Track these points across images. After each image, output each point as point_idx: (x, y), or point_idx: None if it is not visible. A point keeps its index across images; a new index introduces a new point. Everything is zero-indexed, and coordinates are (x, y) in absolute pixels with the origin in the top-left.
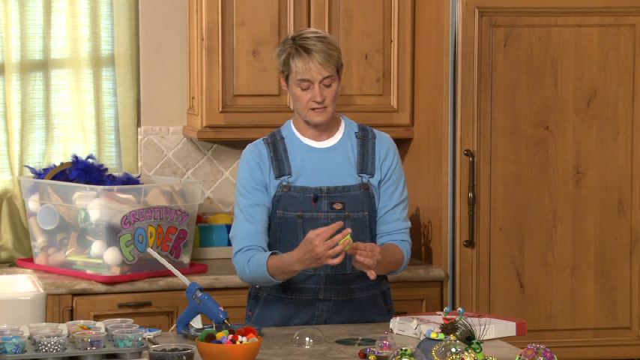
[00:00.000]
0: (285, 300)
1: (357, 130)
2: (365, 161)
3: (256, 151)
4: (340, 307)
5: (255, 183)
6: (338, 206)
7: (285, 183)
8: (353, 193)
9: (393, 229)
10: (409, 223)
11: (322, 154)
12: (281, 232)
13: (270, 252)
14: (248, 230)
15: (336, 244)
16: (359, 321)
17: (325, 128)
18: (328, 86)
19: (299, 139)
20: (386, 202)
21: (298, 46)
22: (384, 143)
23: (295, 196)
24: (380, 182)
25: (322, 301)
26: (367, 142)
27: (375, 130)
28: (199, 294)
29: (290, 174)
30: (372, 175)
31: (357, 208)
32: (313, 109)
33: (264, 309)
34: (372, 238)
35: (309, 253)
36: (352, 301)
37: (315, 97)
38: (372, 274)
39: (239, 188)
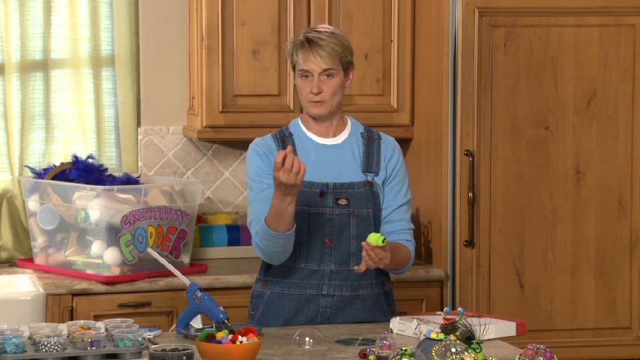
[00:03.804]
0: (289, 296)
1: (362, 131)
2: (370, 160)
3: (264, 144)
4: (344, 303)
5: (267, 168)
6: (343, 202)
7: None
8: (358, 190)
9: (398, 228)
10: (412, 225)
11: (329, 151)
12: None
13: None
14: (265, 212)
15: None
16: (363, 320)
17: (332, 126)
18: (329, 79)
19: (307, 135)
20: (390, 202)
21: (304, 38)
22: (390, 144)
23: (302, 190)
24: (384, 182)
25: (326, 297)
26: (373, 142)
27: (381, 132)
28: (199, 294)
29: None
30: (377, 174)
31: (362, 205)
32: (311, 101)
33: (269, 307)
34: None
35: (276, 184)
36: (356, 299)
37: (312, 88)
38: (358, 268)
39: (250, 176)
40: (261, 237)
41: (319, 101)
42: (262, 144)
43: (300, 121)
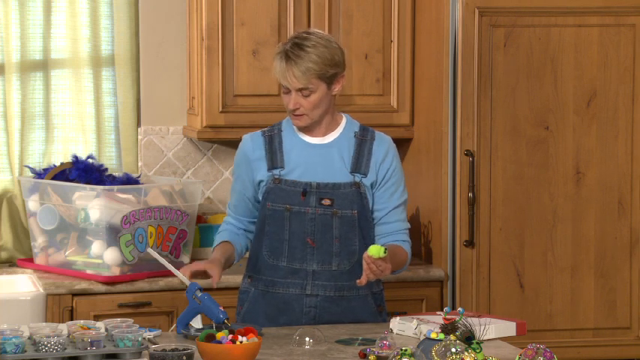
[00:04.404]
0: (273, 295)
1: (357, 130)
2: (359, 161)
3: (250, 143)
4: (328, 303)
5: (240, 172)
6: (326, 202)
7: (277, 176)
8: (343, 190)
9: (395, 229)
10: (409, 224)
11: (316, 150)
12: (268, 224)
13: (222, 241)
14: (230, 207)
15: None
16: (348, 320)
17: (321, 127)
18: (307, 96)
19: (296, 134)
20: (386, 203)
21: (284, 51)
22: (384, 145)
23: (285, 189)
24: (374, 183)
25: (310, 296)
26: (365, 143)
27: (377, 132)
28: (199, 294)
29: (282, 167)
30: (365, 176)
31: (347, 206)
32: (291, 114)
33: (253, 304)
34: (362, 237)
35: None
36: (341, 299)
37: (289, 105)
38: (360, 282)
39: (234, 171)
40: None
41: (299, 115)
42: (248, 143)
43: None
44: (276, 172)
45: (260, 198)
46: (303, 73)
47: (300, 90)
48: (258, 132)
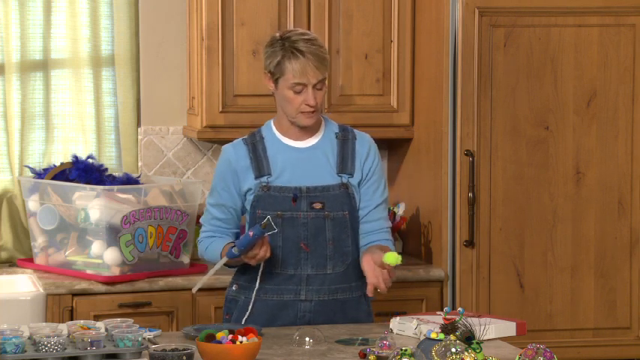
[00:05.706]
0: (267, 302)
1: (337, 131)
2: (345, 161)
3: (233, 153)
4: (322, 307)
5: (225, 184)
6: (317, 206)
7: (264, 183)
8: (332, 192)
9: (377, 227)
10: (390, 223)
11: (302, 154)
12: None
13: (227, 242)
14: (213, 223)
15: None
16: (342, 321)
17: (309, 129)
18: (320, 89)
19: (279, 139)
20: (368, 201)
21: (292, 48)
22: (365, 144)
23: (275, 195)
24: (360, 182)
25: (304, 302)
26: (347, 143)
27: (356, 131)
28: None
29: (270, 174)
30: (352, 175)
31: (337, 208)
32: (304, 112)
33: (243, 313)
34: (354, 238)
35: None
36: (334, 302)
37: (309, 101)
38: (370, 292)
39: (213, 185)
40: (210, 255)
41: (313, 112)
42: (230, 153)
43: (272, 123)
44: (263, 179)
45: (248, 207)
46: (322, 63)
47: (315, 84)
48: (239, 140)
